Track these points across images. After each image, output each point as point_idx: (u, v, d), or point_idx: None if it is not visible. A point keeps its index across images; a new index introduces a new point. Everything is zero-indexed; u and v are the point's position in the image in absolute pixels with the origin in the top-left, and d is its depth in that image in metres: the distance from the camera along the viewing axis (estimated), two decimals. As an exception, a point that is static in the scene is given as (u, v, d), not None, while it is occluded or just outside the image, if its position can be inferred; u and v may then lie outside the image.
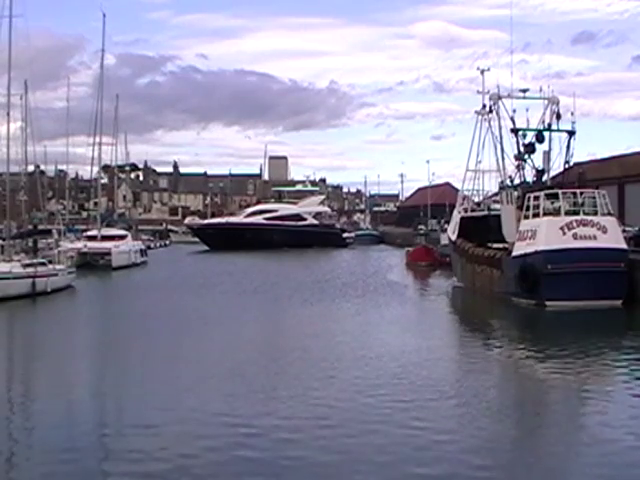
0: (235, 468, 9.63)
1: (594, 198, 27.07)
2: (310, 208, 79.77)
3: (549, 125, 30.47)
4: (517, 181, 30.71)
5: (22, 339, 21.76)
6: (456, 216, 37.71)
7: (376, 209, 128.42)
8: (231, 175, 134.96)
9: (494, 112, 33.35)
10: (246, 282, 36.79)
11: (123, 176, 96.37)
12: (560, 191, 27.36)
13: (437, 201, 77.29)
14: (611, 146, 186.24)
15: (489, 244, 32.70)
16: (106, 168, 68.92)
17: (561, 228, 25.95)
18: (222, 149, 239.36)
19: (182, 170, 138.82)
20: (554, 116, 30.46)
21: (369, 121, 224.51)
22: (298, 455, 9.98)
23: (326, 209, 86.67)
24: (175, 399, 13.11)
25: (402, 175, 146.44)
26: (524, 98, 31.60)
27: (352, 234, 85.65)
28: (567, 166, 30.39)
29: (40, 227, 40.10)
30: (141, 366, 16.68)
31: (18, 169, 39.61)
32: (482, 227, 33.15)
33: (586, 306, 24.03)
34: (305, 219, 77.03)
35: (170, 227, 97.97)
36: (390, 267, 47.89)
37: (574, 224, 25.95)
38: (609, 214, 26.95)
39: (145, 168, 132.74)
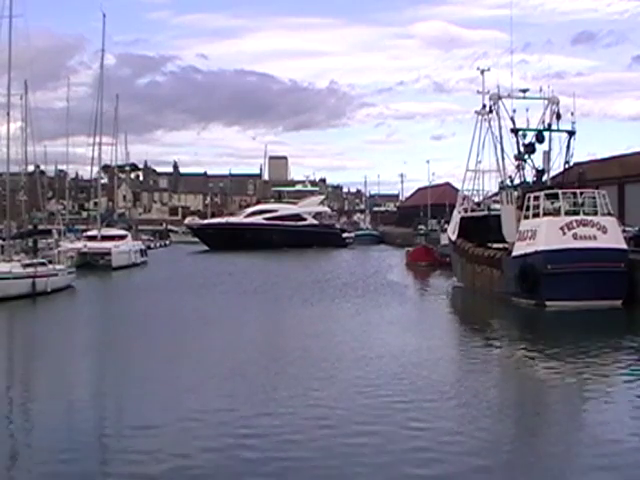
0: (235, 469, 9.62)
1: (594, 198, 27.06)
2: (310, 208, 79.78)
3: (549, 125, 30.48)
4: (517, 181, 30.72)
5: (22, 339, 21.76)
6: (456, 216, 37.71)
7: (376, 209, 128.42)
8: (231, 175, 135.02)
9: (494, 112, 33.37)
10: (246, 282, 36.79)
11: (123, 176, 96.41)
12: (560, 191, 27.36)
13: (437, 201, 77.29)
14: (611, 146, 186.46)
15: (489, 244, 32.70)
16: (106, 168, 68.94)
17: (561, 228, 25.95)
18: (222, 149, 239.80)
19: (182, 170, 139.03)
20: (554, 116, 30.47)
21: (369, 121, 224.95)
22: (298, 456, 9.97)
23: (326, 209, 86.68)
24: (175, 399, 13.11)
25: (402, 175, 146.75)
26: (524, 98, 31.62)
27: (352, 234, 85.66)
28: (567, 166, 30.40)
29: (40, 227, 40.14)
30: (141, 366, 16.68)
31: (18, 169, 39.63)
32: (482, 227, 33.15)
33: (586, 306, 24.03)
34: (305, 219, 77.04)
35: (170, 227, 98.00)
36: (390, 267, 47.89)
37: (574, 224, 25.95)
38: (609, 214, 26.95)
39: (145, 168, 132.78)
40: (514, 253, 27.48)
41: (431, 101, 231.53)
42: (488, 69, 38.06)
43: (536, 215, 27.13)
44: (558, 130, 30.28)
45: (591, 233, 25.82)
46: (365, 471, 9.46)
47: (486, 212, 34.73)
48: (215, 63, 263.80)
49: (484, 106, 35.34)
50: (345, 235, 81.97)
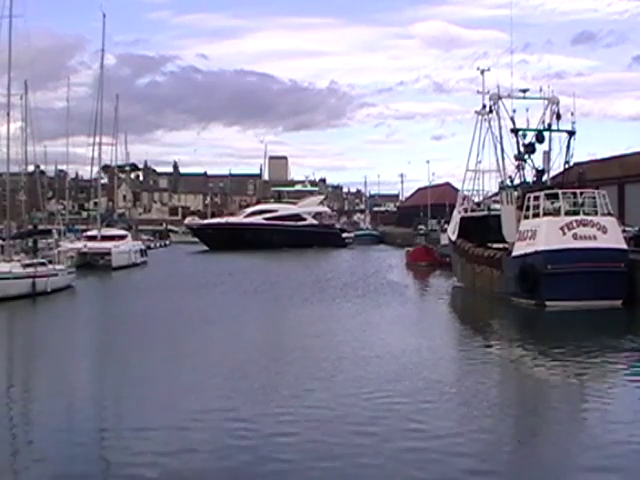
0: (235, 471, 9.59)
1: (594, 198, 27.06)
2: (310, 208, 79.82)
3: (549, 125, 30.48)
4: (517, 181, 30.72)
5: (22, 339, 21.75)
6: (456, 216, 37.71)
7: (376, 209, 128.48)
8: (231, 175, 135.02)
9: (494, 112, 33.40)
10: (246, 282, 36.79)
11: (123, 176, 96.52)
12: (560, 191, 27.35)
13: (437, 201, 77.29)
14: (611, 146, 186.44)
15: (489, 244, 32.70)
16: (106, 168, 68.96)
17: (561, 228, 25.95)
18: (222, 149, 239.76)
19: (182, 170, 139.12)
20: (554, 116, 30.47)
21: (369, 121, 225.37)
22: (298, 458, 9.92)
23: (326, 209, 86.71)
24: (175, 399, 13.10)
25: (402, 175, 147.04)
26: (524, 98, 31.62)
27: (351, 234, 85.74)
28: (567, 166, 30.39)
29: (40, 227, 40.13)
30: (141, 366, 16.66)
31: (18, 169, 39.62)
32: (482, 227, 33.15)
33: (586, 306, 24.03)
34: (305, 219, 77.08)
35: (170, 227, 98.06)
36: (390, 267, 47.90)
37: (574, 224, 25.95)
38: (609, 214, 26.95)
39: (145, 168, 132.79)
40: (514, 253, 27.47)
41: (431, 101, 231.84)
42: (488, 69, 38.14)
43: (536, 215, 27.13)
44: (558, 130, 30.28)
45: (591, 233, 25.81)
46: (365, 472, 9.45)
47: (486, 212, 34.72)
48: (215, 63, 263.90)
49: (484, 106, 35.40)
50: (345, 235, 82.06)
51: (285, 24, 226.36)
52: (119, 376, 15.78)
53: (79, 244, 47.57)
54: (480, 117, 35.96)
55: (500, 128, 32.58)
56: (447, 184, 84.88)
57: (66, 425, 11.81)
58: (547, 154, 30.16)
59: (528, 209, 27.55)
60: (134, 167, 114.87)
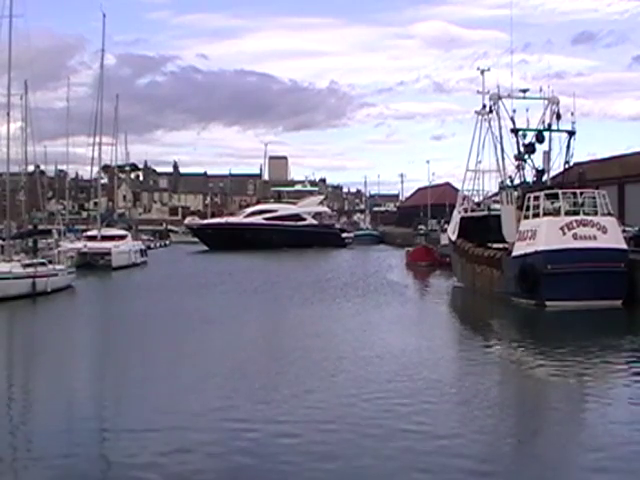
0: (236, 472, 9.58)
1: (594, 198, 27.06)
2: (309, 208, 79.84)
3: (549, 125, 30.48)
4: (517, 181, 30.71)
5: (22, 339, 21.74)
6: (456, 216, 37.72)
7: (376, 209, 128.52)
8: (231, 175, 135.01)
9: (494, 112, 33.43)
10: (246, 282, 36.79)
11: (123, 176, 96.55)
12: (560, 191, 27.35)
13: (437, 201, 77.35)
14: (611, 146, 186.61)
15: (489, 244, 32.70)
16: (106, 168, 68.96)
17: (561, 228, 25.95)
18: (222, 149, 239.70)
19: (182, 170, 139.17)
20: (554, 116, 30.47)
21: (369, 121, 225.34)
22: (299, 459, 9.88)
23: (325, 209, 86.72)
24: (175, 400, 13.09)
25: (402, 175, 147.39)
26: (524, 98, 31.63)
27: (351, 234, 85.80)
28: (567, 166, 30.39)
29: (40, 227, 40.14)
30: (141, 366, 16.67)
31: (18, 169, 39.60)
32: (482, 227, 33.15)
33: (586, 306, 24.03)
34: (304, 219, 77.10)
35: (170, 227, 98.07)
36: (390, 267, 47.90)
37: (574, 224, 25.95)
38: (609, 214, 26.95)
39: (145, 168, 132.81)
40: (514, 253, 27.48)
41: (431, 101, 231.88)
42: (488, 69, 38.18)
43: (536, 215, 27.13)
44: (558, 130, 30.28)
45: (591, 233, 25.82)
46: (365, 474, 9.43)
47: (486, 212, 34.73)
48: (215, 63, 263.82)
49: (484, 106, 35.43)
50: (344, 235, 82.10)
51: (285, 24, 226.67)
52: (119, 376, 15.78)
53: (79, 244, 47.56)
54: (480, 117, 36.00)
55: (500, 128, 32.66)
56: (447, 184, 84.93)
57: (66, 425, 11.81)
58: (547, 154, 30.16)
59: (528, 209, 27.55)
60: (134, 167, 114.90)
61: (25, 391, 14.71)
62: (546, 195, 27.51)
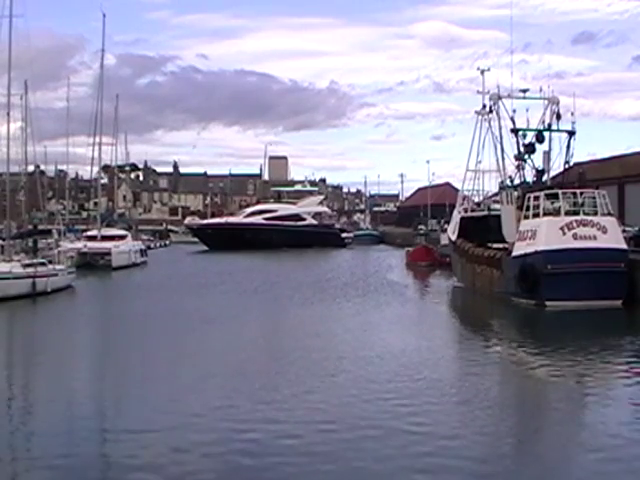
0: (235, 474, 9.57)
1: (594, 198, 27.06)
2: (309, 208, 79.86)
3: (549, 125, 30.48)
4: (517, 181, 30.71)
5: (22, 339, 21.74)
6: (456, 216, 37.73)
7: (376, 209, 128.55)
8: (231, 175, 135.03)
9: (494, 112, 33.43)
10: (246, 282, 36.79)
11: (123, 176, 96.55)
12: (560, 191, 27.35)
13: (437, 201, 77.38)
14: (611, 146, 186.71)
15: (489, 244, 32.70)
16: (106, 168, 68.96)
17: (561, 228, 25.95)
18: (222, 149, 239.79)
19: (182, 170, 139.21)
20: (554, 116, 30.47)
21: (369, 121, 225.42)
22: (299, 461, 9.85)
23: (325, 209, 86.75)
24: (175, 400, 13.09)
25: (402, 175, 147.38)
26: (524, 98, 31.63)
27: (351, 234, 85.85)
28: (567, 166, 30.39)
29: (40, 227, 40.11)
30: (141, 366, 16.67)
31: (18, 169, 39.59)
32: (482, 227, 33.16)
33: (586, 306, 24.03)
34: (304, 219, 77.11)
35: (170, 227, 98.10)
36: (390, 267, 47.90)
37: (574, 224, 25.95)
38: (609, 214, 26.95)
39: (145, 168, 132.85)
40: (514, 253, 27.47)
41: (431, 101, 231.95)
42: (488, 69, 38.18)
43: (536, 215, 27.13)
44: (558, 130, 30.28)
45: (591, 233, 25.81)
46: (365, 475, 9.42)
47: (486, 212, 34.74)
48: (215, 63, 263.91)
49: (484, 106, 35.44)
50: (344, 235, 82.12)
51: (285, 24, 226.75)
52: (119, 376, 15.78)
53: (79, 244, 47.57)
54: (480, 117, 36.01)
55: (500, 128, 32.66)
56: (447, 184, 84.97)
57: (66, 425, 11.78)
58: (547, 154, 30.16)
59: (528, 209, 27.55)
60: (134, 167, 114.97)
61: (25, 391, 14.71)
62: (546, 195, 27.51)
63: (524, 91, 31.85)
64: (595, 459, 9.95)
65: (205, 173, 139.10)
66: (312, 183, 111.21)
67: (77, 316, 26.33)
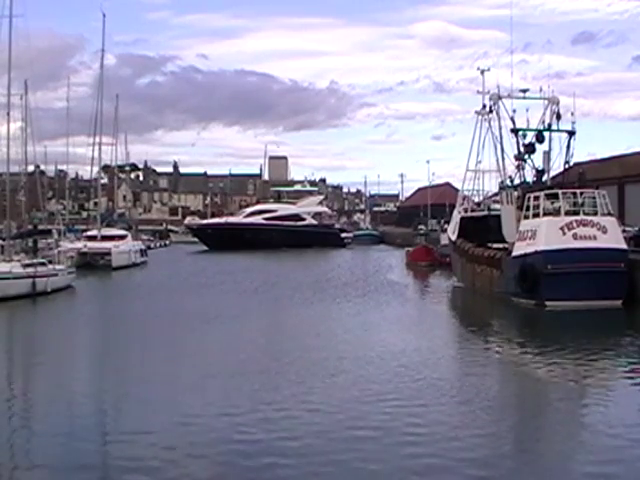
0: (235, 476, 9.56)
1: (594, 198, 27.05)
2: (309, 208, 79.85)
3: (549, 125, 30.47)
4: (517, 181, 30.70)
5: (22, 339, 21.74)
6: (456, 216, 37.73)
7: (376, 209, 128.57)
8: (231, 175, 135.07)
9: (494, 112, 33.40)
10: (246, 282, 36.79)
11: (123, 176, 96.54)
12: (560, 191, 27.35)
13: (437, 201, 77.38)
14: (611, 146, 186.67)
15: (489, 244, 32.70)
16: (106, 168, 68.97)
17: (561, 228, 25.95)
18: (222, 149, 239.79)
19: (182, 170, 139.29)
20: (554, 116, 30.46)
21: (369, 121, 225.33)
22: (299, 463, 9.82)
23: (325, 209, 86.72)
24: (175, 400, 13.09)
25: (402, 175, 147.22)
26: (524, 98, 31.62)
27: (350, 234, 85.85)
28: (567, 166, 30.38)
29: (40, 227, 40.12)
30: (141, 366, 16.68)
31: (18, 169, 39.59)
32: (482, 227, 33.16)
33: (586, 306, 24.02)
34: (304, 219, 77.11)
35: (170, 227, 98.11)
36: (390, 267, 47.90)
37: (574, 224, 25.94)
38: (609, 214, 26.95)
39: (145, 168, 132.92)
40: (514, 253, 27.47)
41: (431, 101, 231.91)
42: (488, 69, 38.16)
43: (536, 215, 27.13)
44: (558, 130, 30.28)
45: (591, 233, 25.81)
46: (364, 477, 9.41)
47: (486, 212, 34.74)
48: (215, 63, 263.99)
49: (484, 106, 35.41)
50: (344, 235, 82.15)
51: (285, 24, 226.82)
52: (119, 376, 15.76)
53: (79, 244, 47.59)
54: (480, 117, 35.99)
55: (500, 128, 32.63)
56: (447, 184, 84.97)
57: (65, 426, 11.76)
58: (547, 154, 30.16)
59: (528, 209, 27.54)
60: (134, 167, 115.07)
61: (25, 391, 14.71)
62: (546, 195, 27.51)
63: (524, 91, 31.85)
64: (595, 460, 9.95)
65: (205, 173, 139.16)
66: (312, 183, 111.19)
67: (77, 316, 26.32)
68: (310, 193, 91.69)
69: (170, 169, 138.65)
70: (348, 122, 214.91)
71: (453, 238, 36.92)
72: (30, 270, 30.05)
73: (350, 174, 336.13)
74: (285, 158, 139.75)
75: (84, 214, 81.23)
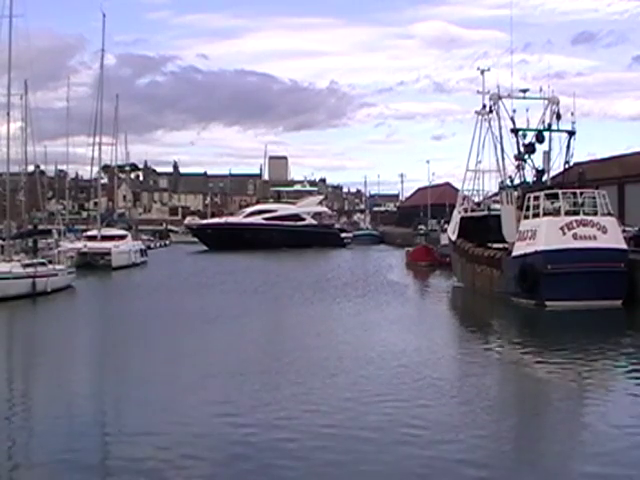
0: (235, 476, 9.56)
1: (594, 198, 27.05)
2: (309, 208, 79.85)
3: (549, 125, 30.47)
4: (517, 181, 30.70)
5: (22, 339, 21.74)
6: (456, 216, 37.73)
7: (376, 209, 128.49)
8: (231, 175, 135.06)
9: (494, 112, 33.39)
10: (246, 282, 36.79)
11: (123, 176, 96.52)
12: (560, 191, 27.35)
13: (437, 201, 77.38)
14: (611, 146, 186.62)
15: (489, 244, 32.70)
16: (106, 168, 68.96)
17: (561, 228, 25.95)
18: (222, 149, 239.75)
19: (182, 170, 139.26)
20: (554, 116, 30.46)
21: (369, 121, 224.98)
22: (299, 465, 9.80)
23: (325, 209, 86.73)
24: (175, 400, 13.10)
25: (402, 175, 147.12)
26: (524, 98, 31.62)
27: (350, 234, 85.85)
28: (567, 166, 30.38)
29: (40, 227, 40.13)
30: (141, 366, 16.66)
31: (18, 169, 39.56)
32: (482, 227, 33.16)
33: (586, 306, 24.02)
34: (304, 219, 77.10)
35: (170, 227, 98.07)
36: (390, 267, 47.90)
37: (574, 224, 25.95)
38: (609, 214, 26.95)
39: (145, 168, 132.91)
40: (514, 253, 27.47)
41: (431, 101, 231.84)
42: (488, 69, 38.14)
43: (536, 215, 27.13)
44: (558, 130, 30.28)
45: (591, 233, 25.81)
46: (366, 475, 9.41)
47: (486, 212, 34.74)
48: (215, 63, 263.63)
49: (484, 106, 35.41)
50: (344, 235, 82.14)
51: (285, 24, 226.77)
52: (119, 376, 15.76)
53: (79, 244, 47.57)
54: (480, 117, 35.99)
55: (500, 128, 32.62)
56: (447, 184, 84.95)
57: (65, 426, 11.76)
58: (547, 154, 30.16)
59: (528, 209, 27.55)
60: (134, 167, 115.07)
61: (25, 391, 14.70)
62: (546, 195, 27.51)
63: (524, 91, 31.85)
64: (596, 460, 9.95)
65: (205, 173, 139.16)
66: (312, 183, 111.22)
67: (77, 316, 26.34)
68: (310, 193, 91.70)
69: (170, 169, 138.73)
70: (348, 122, 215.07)
71: (453, 238, 36.92)
72: (30, 270, 30.05)
73: (350, 174, 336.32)
74: (285, 158, 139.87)
75: (84, 214, 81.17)
